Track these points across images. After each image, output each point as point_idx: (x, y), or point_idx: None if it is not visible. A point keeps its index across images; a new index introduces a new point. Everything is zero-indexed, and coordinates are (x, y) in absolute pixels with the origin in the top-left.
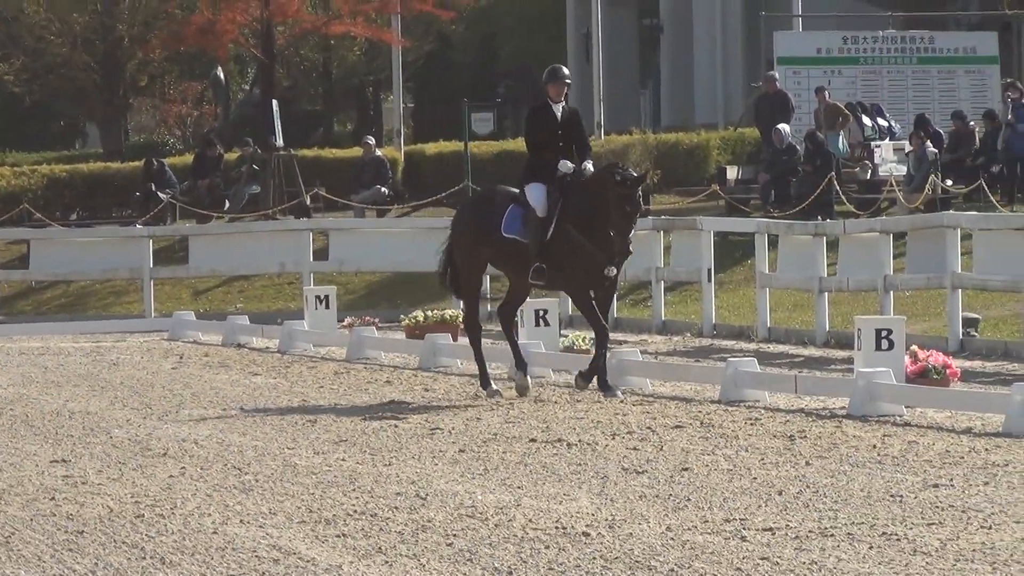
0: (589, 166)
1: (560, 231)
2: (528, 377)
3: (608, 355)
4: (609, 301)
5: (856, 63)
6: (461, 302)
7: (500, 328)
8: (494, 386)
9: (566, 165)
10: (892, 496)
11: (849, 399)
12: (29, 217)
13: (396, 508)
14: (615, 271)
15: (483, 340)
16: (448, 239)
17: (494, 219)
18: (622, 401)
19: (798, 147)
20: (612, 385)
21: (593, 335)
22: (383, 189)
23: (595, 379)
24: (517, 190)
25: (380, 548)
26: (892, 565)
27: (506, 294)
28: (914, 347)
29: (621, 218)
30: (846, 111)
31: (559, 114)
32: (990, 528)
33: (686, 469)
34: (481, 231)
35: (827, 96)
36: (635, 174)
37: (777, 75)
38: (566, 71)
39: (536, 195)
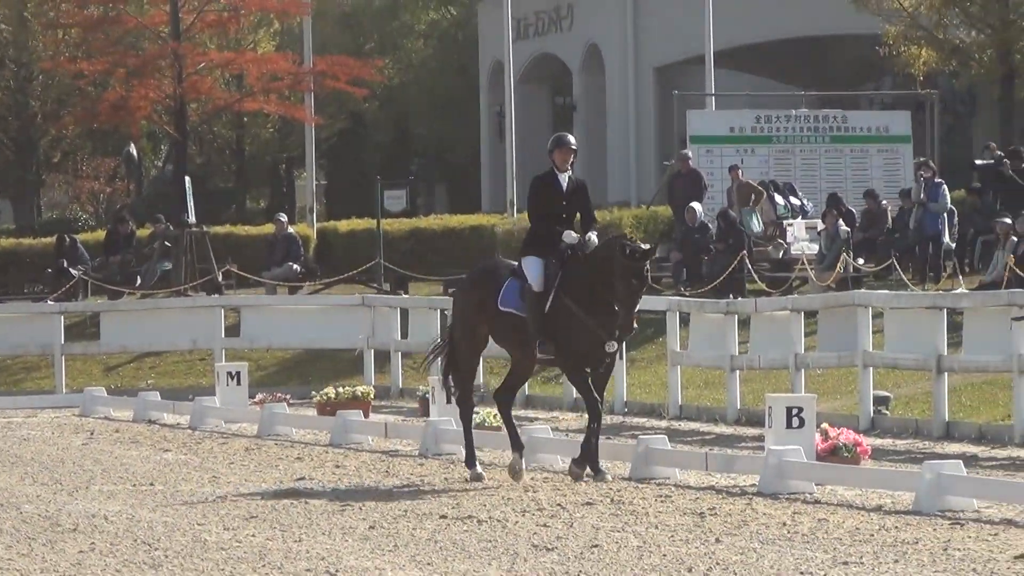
0: (593, 238)
1: (558, 305)
2: (523, 459)
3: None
4: (606, 380)
5: (769, 142)
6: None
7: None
8: (479, 469)
9: (570, 236)
10: (802, 573)
11: (760, 476)
12: None
13: None
14: (615, 347)
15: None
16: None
17: (493, 293)
18: (545, 479)
19: (710, 226)
20: (603, 469)
21: (587, 414)
22: (295, 266)
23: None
24: (516, 264)
25: None
26: None
27: (506, 375)
28: (825, 425)
29: (626, 292)
30: (759, 188)
31: (565, 184)
32: None
33: (596, 546)
34: (480, 305)
35: (740, 174)
36: (643, 247)
37: (690, 153)
38: (572, 138)
39: (532, 269)
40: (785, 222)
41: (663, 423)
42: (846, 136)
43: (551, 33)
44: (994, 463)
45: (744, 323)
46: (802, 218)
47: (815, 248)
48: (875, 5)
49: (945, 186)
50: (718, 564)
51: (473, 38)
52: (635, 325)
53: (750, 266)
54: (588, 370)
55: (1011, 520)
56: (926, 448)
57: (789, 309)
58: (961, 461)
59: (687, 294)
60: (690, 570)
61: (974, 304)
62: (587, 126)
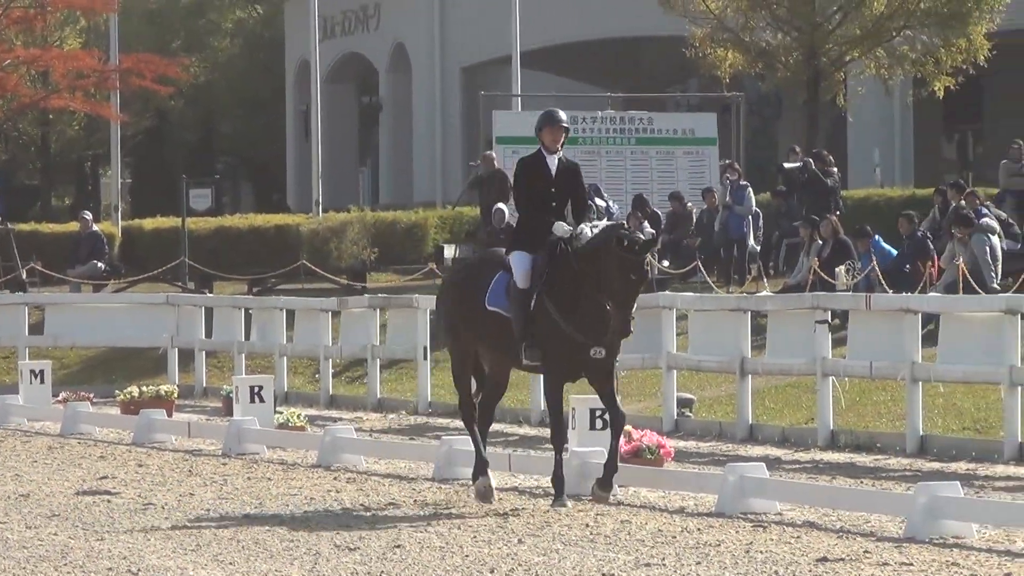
0: (587, 230)
1: (539, 308)
2: (490, 479)
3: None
4: (609, 393)
5: (575, 143)
6: None
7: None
8: (489, 480)
9: (561, 228)
10: (603, 574)
11: None
12: None
13: None
14: (602, 353)
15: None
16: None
17: (479, 289)
18: (349, 480)
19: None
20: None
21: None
22: (100, 264)
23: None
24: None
25: None
26: None
27: (484, 386)
28: (628, 427)
29: (623, 288)
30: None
31: (554, 167)
32: None
33: (399, 546)
34: (464, 303)
35: None
36: (643, 238)
37: (496, 154)
38: (564, 115)
39: (519, 264)
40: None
41: None
42: (652, 138)
43: (358, 32)
44: (797, 466)
45: None
46: (607, 219)
47: None
48: (681, 7)
49: (750, 189)
50: (520, 565)
51: (280, 37)
52: (632, 328)
53: None
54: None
55: (813, 523)
56: (729, 451)
57: None
58: (764, 464)
59: None
60: (492, 571)
61: (778, 307)
62: (393, 126)
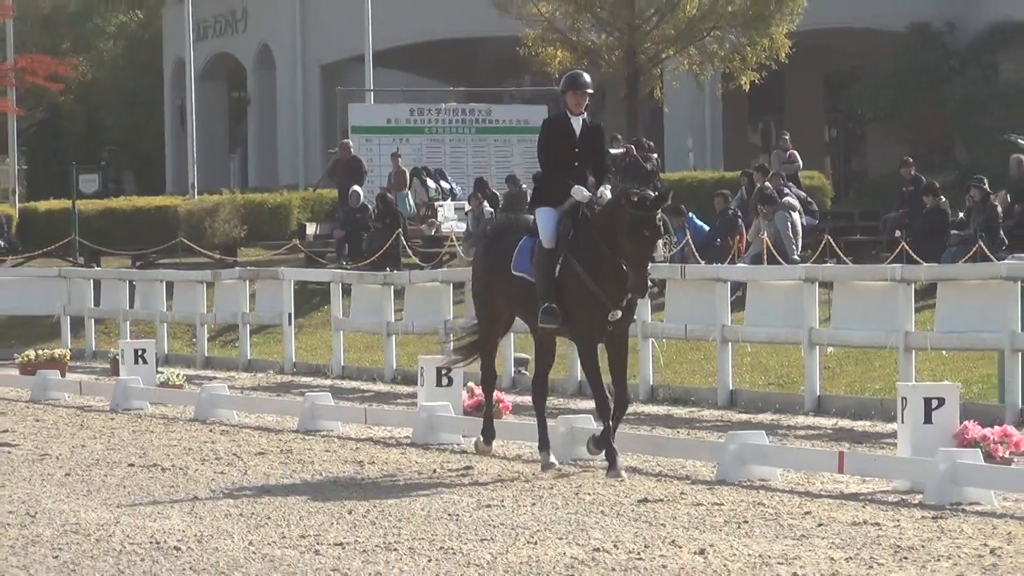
0: (607, 192)
1: (566, 270)
2: (552, 456)
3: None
4: (623, 363)
5: (422, 132)
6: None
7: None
8: (492, 447)
9: (581, 192)
10: (449, 515)
11: (413, 429)
12: None
13: (7, 525)
14: (619, 315)
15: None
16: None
17: (507, 255)
18: (223, 432)
19: (369, 206)
20: (618, 468)
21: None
22: None
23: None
24: (532, 218)
25: None
26: None
27: (534, 359)
28: (471, 384)
29: (637, 246)
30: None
31: (578, 128)
32: (536, 544)
33: (267, 491)
34: (493, 270)
35: (399, 161)
36: (652, 194)
37: (351, 142)
38: (587, 78)
39: (545, 222)
40: (436, 204)
41: (328, 381)
42: (490, 127)
43: (228, 34)
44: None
45: (400, 293)
46: (451, 200)
47: (463, 227)
48: (516, 10)
49: None
50: (375, 507)
51: (158, 39)
52: (649, 284)
53: (405, 242)
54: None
55: (636, 468)
56: (561, 404)
57: (439, 281)
58: (592, 416)
59: (349, 267)
60: (350, 512)
61: None
62: (260, 118)
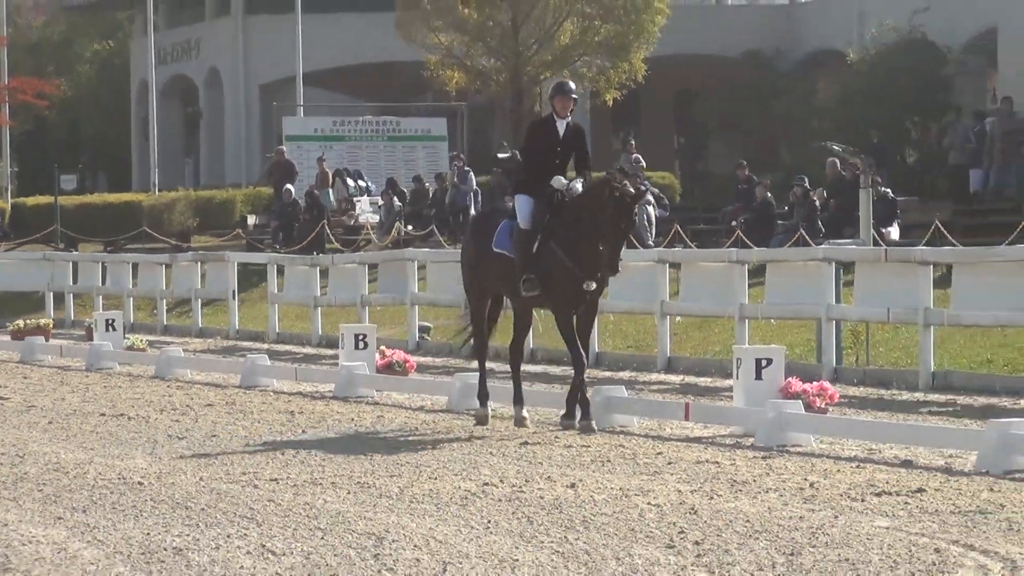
0: (578, 185)
1: (544, 248)
2: (525, 410)
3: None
4: (589, 328)
5: (343, 140)
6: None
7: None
8: (487, 410)
9: (559, 181)
10: (364, 455)
11: (335, 385)
12: None
13: (0, 464)
14: (594, 286)
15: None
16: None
17: (489, 237)
18: (178, 387)
19: (300, 201)
20: (591, 417)
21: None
22: None
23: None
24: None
25: None
26: (364, 506)
27: (513, 327)
28: (383, 347)
29: (614, 233)
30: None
31: (562, 130)
32: (436, 479)
33: (215, 436)
34: (478, 251)
35: (323, 164)
36: (632, 190)
37: (285, 148)
38: (572, 86)
39: (523, 207)
40: (355, 199)
41: (265, 346)
42: (400, 136)
43: (183, 60)
44: (506, 376)
45: (324, 273)
46: (367, 196)
47: (377, 218)
48: (420, 39)
49: (472, 172)
50: (303, 448)
51: (126, 63)
52: (620, 267)
53: (329, 231)
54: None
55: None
56: (458, 365)
57: (358, 263)
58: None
59: (283, 251)
60: (283, 453)
61: None
62: (210, 128)
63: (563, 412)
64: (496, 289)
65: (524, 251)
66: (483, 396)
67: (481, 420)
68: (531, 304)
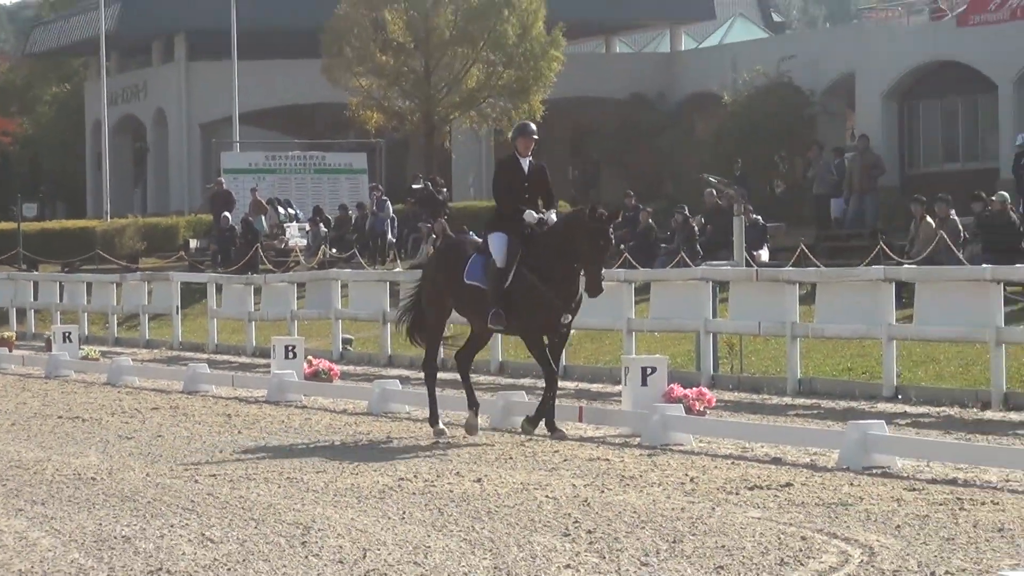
0: (552, 216)
1: (519, 279)
2: (477, 416)
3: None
4: (561, 348)
5: (275, 172)
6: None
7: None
8: (441, 426)
9: (531, 216)
10: (293, 453)
11: (267, 390)
12: None
13: None
14: (569, 319)
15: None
16: (415, 289)
17: (459, 267)
18: (128, 393)
19: (236, 227)
20: (560, 428)
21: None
22: None
23: (543, 422)
24: (481, 240)
25: None
26: (292, 499)
27: (466, 340)
28: (310, 357)
29: (593, 252)
30: (263, 203)
31: (527, 167)
32: (357, 474)
33: (160, 436)
34: (447, 279)
35: (256, 194)
36: (606, 212)
37: (224, 180)
38: (534, 127)
39: (497, 245)
40: (285, 225)
41: (205, 355)
42: (325, 169)
43: (133, 101)
44: (420, 382)
45: (258, 291)
46: (296, 223)
47: (304, 242)
48: (343, 83)
49: (389, 201)
50: (240, 447)
51: (81, 104)
52: (602, 286)
53: (262, 254)
54: (546, 340)
55: (426, 418)
56: (376, 372)
57: (287, 282)
58: (399, 381)
59: (221, 272)
60: (220, 451)
61: (407, 278)
62: (156, 162)
63: (528, 416)
64: (468, 317)
65: (496, 287)
66: (434, 417)
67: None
68: (504, 332)
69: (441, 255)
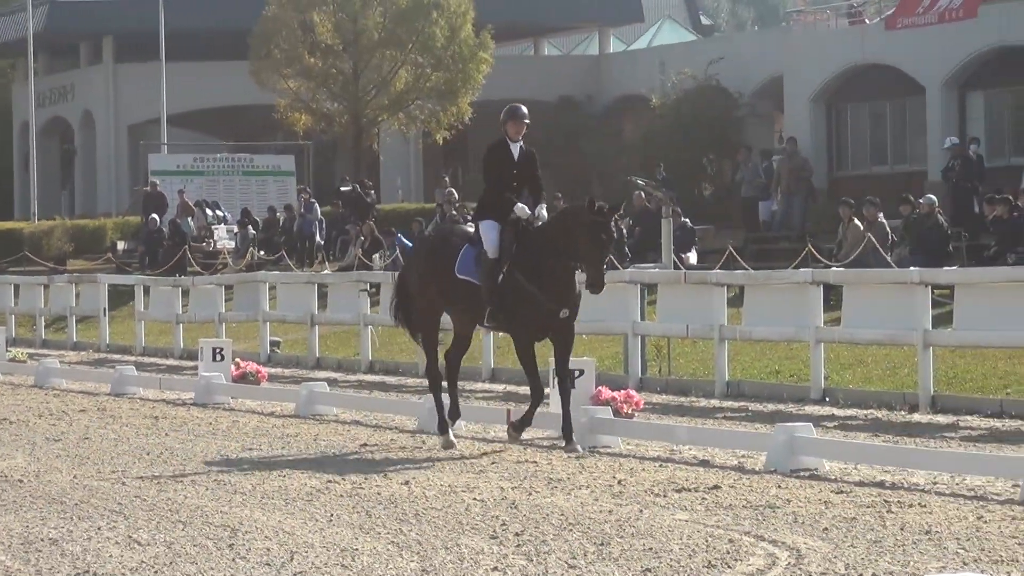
0: (543, 212)
1: (509, 278)
2: (451, 430)
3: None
4: (567, 352)
5: (203, 175)
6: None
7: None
8: (451, 436)
9: (523, 210)
10: (221, 456)
11: (194, 393)
12: None
13: None
14: (567, 312)
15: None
16: (398, 277)
17: (448, 260)
18: (55, 395)
19: (164, 229)
20: (574, 442)
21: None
22: None
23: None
24: (472, 230)
25: None
26: (220, 501)
27: (452, 342)
28: (238, 359)
29: (595, 247)
30: (192, 206)
31: (516, 153)
32: (285, 477)
33: (87, 438)
34: (434, 271)
35: (184, 196)
36: (607, 205)
37: (158, 181)
38: (525, 110)
39: (489, 234)
40: (213, 227)
41: (133, 358)
42: (253, 171)
43: (60, 103)
44: (348, 384)
45: (186, 293)
46: (224, 224)
47: (232, 244)
48: (271, 85)
49: (316, 203)
50: (167, 450)
51: (8, 107)
52: (603, 280)
53: (189, 255)
54: (545, 342)
55: (358, 421)
56: (304, 374)
57: (215, 284)
58: (327, 383)
59: (148, 274)
60: (148, 453)
61: (335, 280)
62: (84, 164)
63: (513, 423)
64: (457, 314)
65: (490, 281)
66: (443, 425)
67: (447, 446)
68: (497, 330)
69: (429, 247)
